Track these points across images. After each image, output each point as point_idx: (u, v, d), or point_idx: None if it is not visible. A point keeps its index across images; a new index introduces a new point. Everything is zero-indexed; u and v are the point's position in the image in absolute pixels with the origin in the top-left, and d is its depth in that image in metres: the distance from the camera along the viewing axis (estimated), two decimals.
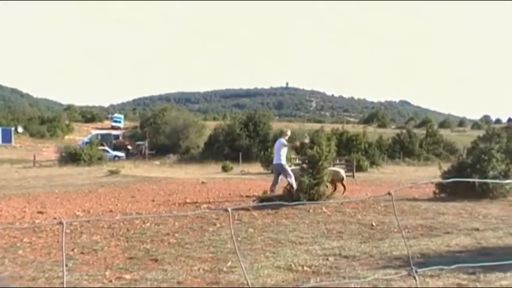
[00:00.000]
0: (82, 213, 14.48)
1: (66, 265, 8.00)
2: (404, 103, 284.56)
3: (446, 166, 18.46)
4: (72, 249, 9.01)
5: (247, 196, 17.20)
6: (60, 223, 2.63)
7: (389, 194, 3.38)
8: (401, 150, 59.73)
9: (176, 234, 10.52)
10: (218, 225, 11.51)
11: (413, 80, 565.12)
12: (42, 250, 9.39)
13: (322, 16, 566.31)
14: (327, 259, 7.97)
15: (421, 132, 71.13)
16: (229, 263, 7.79)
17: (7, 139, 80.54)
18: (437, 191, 16.48)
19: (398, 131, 73.44)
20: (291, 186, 15.48)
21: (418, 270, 3.18)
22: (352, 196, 17.44)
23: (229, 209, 2.89)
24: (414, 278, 3.05)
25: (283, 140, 16.74)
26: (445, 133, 76.34)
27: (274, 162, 16.88)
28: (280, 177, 16.37)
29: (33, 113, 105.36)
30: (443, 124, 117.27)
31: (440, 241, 9.22)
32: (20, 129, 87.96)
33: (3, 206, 16.80)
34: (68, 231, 11.21)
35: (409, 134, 65.16)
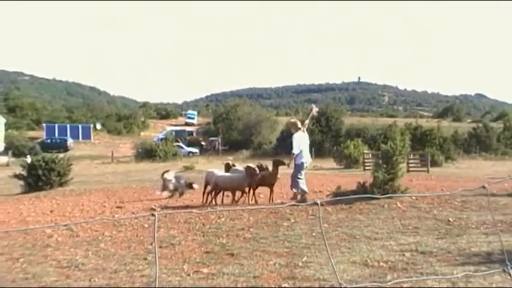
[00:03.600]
0: (159, 208, 14.80)
1: (146, 259, 8.25)
2: (480, 96, 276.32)
3: None
4: (151, 243, 9.24)
5: (320, 191, 17.16)
6: (153, 215, 2.75)
7: (483, 187, 3.36)
8: (477, 144, 58.26)
9: (251, 229, 10.63)
10: (292, 220, 11.55)
11: (489, 72, 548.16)
12: (123, 244, 9.69)
13: (393, 9, 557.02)
14: (403, 255, 7.89)
15: (498, 126, 69.14)
16: (305, 258, 7.83)
17: (86, 136, 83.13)
18: None
19: (474, 125, 71.57)
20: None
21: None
22: (427, 191, 17.13)
23: (318, 202, 2.94)
24: (509, 274, 3.02)
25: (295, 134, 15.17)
26: None
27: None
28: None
29: (110, 111, 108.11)
30: None
31: None
32: (99, 126, 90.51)
33: (85, 200, 17.41)
34: (146, 225, 11.52)
35: (485, 128, 63.49)
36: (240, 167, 16.35)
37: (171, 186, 15.94)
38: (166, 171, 16.57)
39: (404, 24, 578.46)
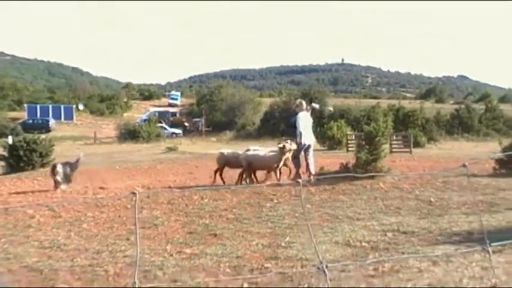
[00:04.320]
0: (142, 189, 14.76)
1: (128, 239, 8.24)
2: (462, 78, 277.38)
3: (506, 141, 18.03)
4: (134, 224, 9.23)
5: (303, 172, 17.22)
6: (133, 193, 2.73)
7: (464, 165, 3.38)
8: (459, 125, 58.51)
9: (234, 210, 10.67)
10: (275, 200, 11.59)
11: (472, 54, 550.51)
12: (105, 224, 9.69)
13: None
14: (385, 235, 7.96)
15: (480, 108, 69.48)
16: (288, 238, 7.88)
17: (69, 116, 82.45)
18: (497, 166, 16.10)
19: (456, 106, 71.82)
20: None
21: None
22: (409, 172, 17.23)
23: (300, 181, 2.95)
24: (488, 252, 3.04)
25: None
26: (505, 108, 74.14)
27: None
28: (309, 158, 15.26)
29: (93, 91, 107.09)
30: (504, 99, 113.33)
31: (501, 217, 9.06)
32: (81, 107, 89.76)
33: None
34: (129, 206, 11.49)
35: (467, 109, 63.72)
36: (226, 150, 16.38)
37: (59, 179, 15.65)
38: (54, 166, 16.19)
39: (388, 5, 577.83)
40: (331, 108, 17.03)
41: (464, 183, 13.21)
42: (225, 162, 15.78)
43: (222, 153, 16.17)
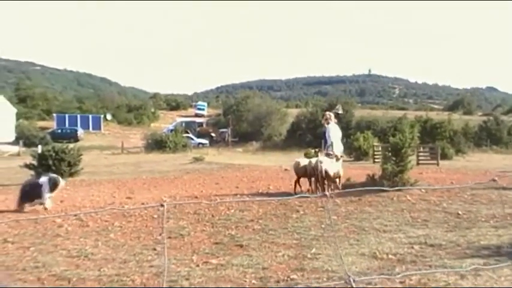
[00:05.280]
0: (169, 199, 14.82)
1: (155, 249, 8.28)
2: (491, 89, 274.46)
3: None
4: (160, 234, 9.28)
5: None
6: (162, 205, 2.76)
7: (494, 180, 3.35)
8: (488, 137, 57.96)
9: (260, 221, 10.66)
10: (301, 212, 11.57)
11: (500, 65, 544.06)
12: (132, 234, 9.74)
13: (405, 2, 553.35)
14: (412, 247, 7.88)
15: (509, 119, 68.79)
16: (314, 250, 7.84)
17: (97, 126, 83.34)
18: None
19: (485, 118, 71.19)
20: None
21: None
22: (436, 184, 17.08)
23: (327, 193, 2.96)
24: None
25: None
26: None
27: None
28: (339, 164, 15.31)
29: (121, 101, 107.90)
30: None
31: None
32: (109, 117, 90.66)
33: (95, 191, 17.48)
34: (156, 216, 11.55)
35: (496, 121, 63.15)
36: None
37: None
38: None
39: (416, 16, 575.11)
40: (340, 111, 17.09)
41: (492, 196, 13.08)
42: (304, 171, 15.64)
43: (298, 163, 16.03)
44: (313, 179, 15.28)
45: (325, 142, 15.55)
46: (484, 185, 13.79)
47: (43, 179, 13.60)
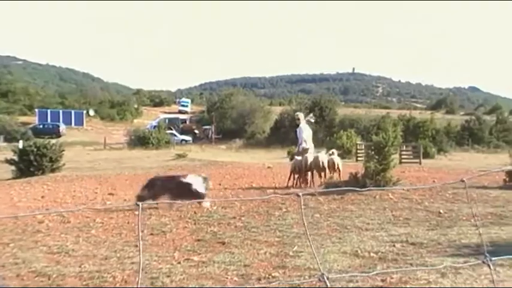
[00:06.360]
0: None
1: (136, 245, 8.24)
2: (473, 89, 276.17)
3: None
4: (142, 231, 9.23)
5: (311, 182, 17.17)
6: (137, 204, 2.73)
7: (462, 181, 3.34)
8: (470, 137, 58.50)
9: (243, 218, 10.66)
10: (284, 209, 11.57)
11: (483, 65, 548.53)
12: (114, 230, 9.71)
13: (389, 1, 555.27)
14: (394, 246, 7.91)
15: (491, 119, 69.39)
16: (295, 248, 7.85)
17: (79, 122, 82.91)
18: (507, 179, 16.01)
19: (467, 117, 71.83)
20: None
21: (492, 258, 3.13)
22: (419, 183, 17.18)
23: (300, 194, 2.93)
24: (488, 266, 3.01)
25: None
26: None
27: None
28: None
29: (103, 97, 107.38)
30: None
31: (511, 230, 9.00)
32: (92, 113, 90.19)
33: (77, 186, 17.41)
34: (137, 212, 11.49)
35: (478, 121, 63.77)
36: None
37: None
38: None
39: (400, 16, 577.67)
40: (312, 120, 17.80)
41: (474, 195, 13.15)
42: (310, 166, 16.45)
43: (306, 158, 16.45)
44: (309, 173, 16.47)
45: (297, 140, 17.12)
46: (464, 184, 13.83)
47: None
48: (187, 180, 12.66)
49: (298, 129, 16.96)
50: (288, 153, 37.14)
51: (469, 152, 50.21)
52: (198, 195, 12.11)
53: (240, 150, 51.74)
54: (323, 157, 16.44)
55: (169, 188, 12.52)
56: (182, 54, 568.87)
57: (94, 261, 7.34)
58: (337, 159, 16.97)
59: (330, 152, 17.21)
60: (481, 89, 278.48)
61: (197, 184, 12.56)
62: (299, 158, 16.47)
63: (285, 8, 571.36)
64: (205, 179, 13.20)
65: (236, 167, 25.86)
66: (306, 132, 16.77)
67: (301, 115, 17.70)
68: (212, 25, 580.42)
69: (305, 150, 16.48)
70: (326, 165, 16.36)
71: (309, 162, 16.16)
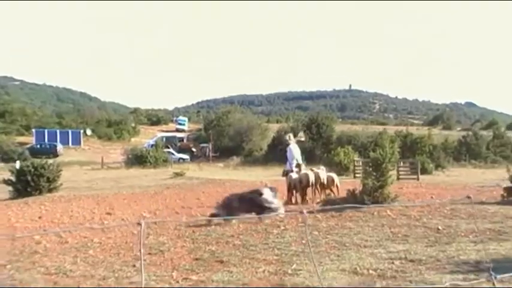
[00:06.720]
0: (149, 215, 14.79)
1: (134, 265, 8.21)
2: (470, 105, 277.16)
3: None
4: (140, 250, 9.20)
5: (310, 198, 17.16)
6: (139, 224, 2.73)
7: (468, 197, 3.36)
8: (467, 152, 58.63)
9: (241, 236, 10.63)
10: (282, 227, 11.54)
11: (479, 81, 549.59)
12: (112, 250, 9.67)
13: (385, 18, 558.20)
14: (393, 263, 7.89)
15: (487, 134, 69.58)
16: (294, 266, 7.82)
17: (76, 141, 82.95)
18: (505, 194, 16.01)
19: (464, 133, 72.07)
20: None
21: (497, 276, 3.13)
22: (417, 200, 17.18)
23: (304, 211, 2.94)
24: (493, 283, 3.01)
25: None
26: None
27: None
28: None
29: (101, 116, 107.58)
30: (511, 126, 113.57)
31: (509, 245, 8.96)
32: (89, 132, 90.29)
33: (74, 206, 17.37)
34: (135, 232, 11.48)
35: (475, 136, 63.96)
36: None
37: None
38: None
39: (396, 33, 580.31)
40: (302, 139, 18.57)
41: (472, 211, 13.15)
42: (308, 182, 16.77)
43: (307, 175, 16.77)
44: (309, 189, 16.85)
45: (287, 160, 17.88)
46: (463, 200, 13.86)
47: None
48: (260, 193, 13.16)
49: (288, 149, 17.72)
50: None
51: (467, 167, 50.27)
52: (271, 207, 12.67)
53: (238, 168, 51.77)
54: (323, 174, 16.78)
55: (243, 203, 12.85)
56: (179, 72, 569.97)
57: (92, 282, 7.30)
58: (335, 176, 17.44)
59: (321, 168, 17.94)
60: (477, 105, 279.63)
61: (269, 195, 13.04)
62: (294, 175, 16.62)
63: (281, 25, 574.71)
64: (272, 189, 13.71)
65: (234, 184, 25.85)
66: (295, 151, 17.54)
67: (291, 136, 18.81)
68: (208, 43, 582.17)
69: (299, 166, 17.14)
70: (325, 181, 16.67)
71: (311, 179, 16.46)
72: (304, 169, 17.21)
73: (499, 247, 8.83)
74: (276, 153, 56.42)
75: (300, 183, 16.50)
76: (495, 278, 2.86)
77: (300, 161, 17.61)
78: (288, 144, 18.02)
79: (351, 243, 9.57)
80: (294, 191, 16.79)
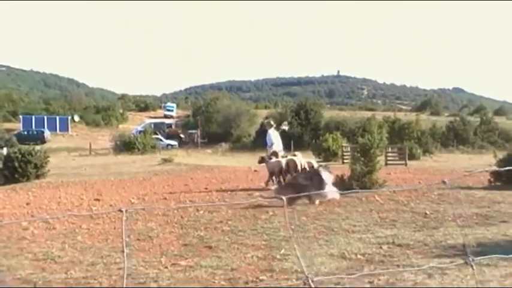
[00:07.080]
0: (137, 201, 14.76)
1: (123, 251, 8.20)
2: (458, 90, 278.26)
3: (501, 154, 18.10)
4: (128, 236, 9.18)
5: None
6: (120, 210, 2.71)
7: (443, 182, 3.35)
8: (455, 138, 58.84)
9: (229, 222, 10.63)
10: (271, 213, 11.54)
11: (467, 67, 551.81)
12: (100, 236, 9.65)
13: (372, 3, 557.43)
14: (381, 247, 7.93)
15: (475, 120, 69.89)
16: (283, 251, 7.83)
17: (64, 128, 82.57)
18: (492, 179, 16.12)
19: (451, 118, 72.26)
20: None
21: (475, 259, 3.14)
22: (405, 184, 17.26)
23: (283, 198, 2.93)
24: (471, 266, 3.02)
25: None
26: (500, 121, 74.67)
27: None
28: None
29: (88, 103, 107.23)
30: (499, 111, 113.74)
31: (496, 230, 9.04)
32: (76, 118, 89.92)
33: (62, 193, 17.30)
34: (124, 218, 11.42)
35: (462, 122, 64.20)
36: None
37: None
38: None
39: (384, 18, 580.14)
40: (285, 128, 18.84)
41: (459, 196, 13.22)
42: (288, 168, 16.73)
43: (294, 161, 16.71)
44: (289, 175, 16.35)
45: (266, 144, 18.15)
46: (449, 185, 13.91)
47: None
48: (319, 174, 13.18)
49: (267, 134, 18.10)
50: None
51: (454, 153, 50.48)
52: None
53: (226, 154, 51.71)
54: (301, 159, 16.72)
55: (303, 184, 12.92)
56: (167, 59, 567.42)
57: (80, 268, 7.28)
58: (314, 162, 17.55)
59: (294, 154, 18.13)
60: (465, 90, 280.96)
61: (326, 176, 13.01)
62: (273, 160, 16.76)
63: (269, 10, 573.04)
64: (327, 168, 13.88)
65: (222, 171, 25.87)
66: (274, 137, 17.84)
67: (270, 121, 19.33)
68: (196, 29, 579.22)
69: (275, 153, 17.13)
70: (306, 166, 16.41)
71: (295, 164, 16.34)
72: (281, 156, 17.22)
73: (486, 231, 8.89)
74: (265, 140, 56.58)
75: (287, 168, 16.38)
76: (472, 260, 2.85)
77: (279, 148, 17.74)
78: (266, 130, 18.47)
79: (339, 229, 9.60)
80: (275, 177, 16.73)
